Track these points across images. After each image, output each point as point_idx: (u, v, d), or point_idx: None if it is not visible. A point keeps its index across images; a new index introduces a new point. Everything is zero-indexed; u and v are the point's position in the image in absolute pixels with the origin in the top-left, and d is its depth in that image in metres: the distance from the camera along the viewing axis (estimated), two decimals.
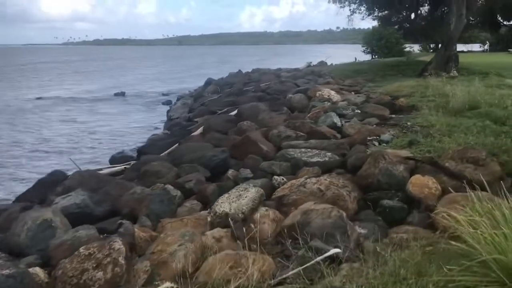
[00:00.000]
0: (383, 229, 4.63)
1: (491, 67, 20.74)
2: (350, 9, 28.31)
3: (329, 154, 6.69)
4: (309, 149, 6.92)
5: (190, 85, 33.69)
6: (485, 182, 5.20)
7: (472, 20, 48.10)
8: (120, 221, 4.61)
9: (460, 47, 55.54)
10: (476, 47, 55.74)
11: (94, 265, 3.33)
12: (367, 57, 45.19)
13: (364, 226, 4.54)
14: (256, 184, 5.59)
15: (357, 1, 27.93)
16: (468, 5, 24.28)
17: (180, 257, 3.45)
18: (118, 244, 3.45)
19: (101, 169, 9.27)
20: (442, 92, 11.55)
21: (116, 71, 58.81)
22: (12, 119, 20.34)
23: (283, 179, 5.62)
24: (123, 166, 9.10)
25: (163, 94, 30.63)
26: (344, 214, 4.21)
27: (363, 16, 29.20)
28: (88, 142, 15.07)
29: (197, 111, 15.69)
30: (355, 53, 46.50)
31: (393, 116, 10.39)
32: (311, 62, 36.64)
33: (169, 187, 5.44)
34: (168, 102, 25.49)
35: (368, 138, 7.94)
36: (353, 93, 13.98)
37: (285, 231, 4.21)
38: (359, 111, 9.95)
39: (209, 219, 4.36)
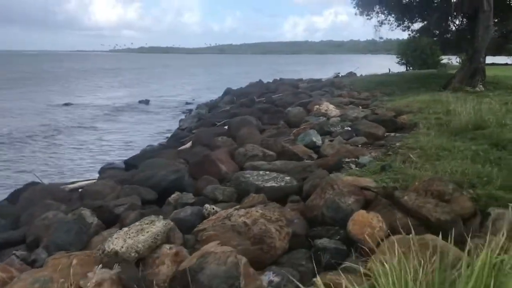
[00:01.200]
0: (305, 276, 3.94)
1: None
2: (378, 20, 27.26)
3: (288, 178, 5.98)
4: (267, 172, 6.23)
5: (218, 94, 33.42)
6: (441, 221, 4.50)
7: None
8: (14, 252, 4.12)
9: (504, 59, 53.26)
10: None
11: None
12: (402, 68, 43.68)
13: (280, 273, 3.84)
14: (186, 213, 5.00)
15: (386, 12, 26.87)
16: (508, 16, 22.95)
17: None
18: None
19: (74, 182, 8.91)
20: (451, 109, 10.59)
21: (151, 78, 59.60)
22: (30, 124, 20.53)
23: (213, 208, 4.96)
24: (94, 180, 8.68)
25: (187, 103, 30.52)
26: (244, 260, 3.53)
27: (392, 27, 28.03)
28: (89, 150, 14.89)
29: (201, 122, 15.25)
30: (393, 64, 45.09)
31: (391, 134, 9.57)
32: (339, 73, 35.64)
33: (86, 213, 4.88)
34: (189, 111, 25.25)
35: (346, 160, 7.19)
36: (360, 107, 13.11)
37: (178, 277, 3.59)
38: (349, 129, 9.15)
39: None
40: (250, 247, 4.19)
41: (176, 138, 12.80)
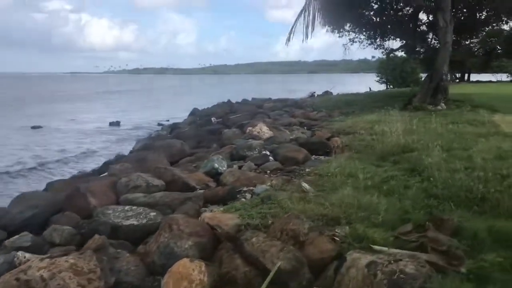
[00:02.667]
0: None
1: (497, 99, 18.83)
2: (349, 38, 26.79)
3: (153, 214, 5.24)
4: (134, 207, 5.47)
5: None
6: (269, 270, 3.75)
7: (499, 49, 46.02)
8: None
9: (488, 77, 53.29)
10: (504, 77, 53.00)
11: None
12: (383, 87, 43.30)
13: None
14: None
15: (357, 30, 26.40)
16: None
17: None
18: None
19: None
20: (386, 130, 9.93)
21: (134, 100, 59.01)
22: None
23: (24, 256, 4.20)
24: None
25: (159, 124, 29.84)
26: None
27: (364, 45, 27.58)
28: (25, 176, 14.06)
29: (145, 144, 14.52)
30: (375, 83, 44.77)
31: (320, 157, 8.92)
32: (314, 92, 35.19)
33: None
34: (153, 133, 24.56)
35: (244, 189, 6.48)
36: (305, 128, 12.51)
37: None
38: (268, 153, 8.45)
39: None
40: None
41: (105, 163, 12.04)
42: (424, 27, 26.36)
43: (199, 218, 4.81)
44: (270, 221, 4.58)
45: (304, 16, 17.22)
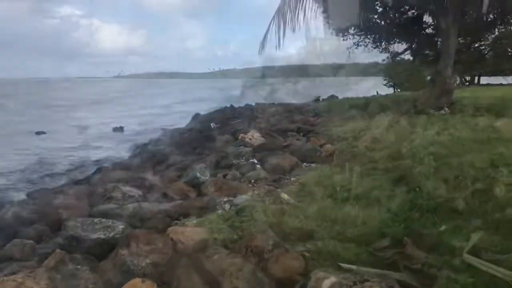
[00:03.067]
0: None
1: (504, 103, 18.34)
2: (354, 42, 26.43)
3: (121, 227, 5.02)
4: (103, 219, 5.25)
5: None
6: None
7: (510, 52, 45.15)
8: None
9: (500, 79, 52.44)
10: None
11: None
12: (390, 91, 42.77)
13: None
14: None
15: (362, 33, 26.04)
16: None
17: None
18: None
19: None
20: (379, 137, 9.65)
21: (142, 104, 59.10)
22: None
23: None
24: None
25: (162, 129, 29.74)
26: None
27: (369, 49, 27.13)
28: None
29: (139, 152, 14.40)
30: (383, 87, 44.20)
31: (312, 165, 8.67)
32: (319, 96, 34.87)
33: None
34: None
35: (224, 200, 6.26)
36: (301, 134, 12.28)
37: None
38: (255, 161, 8.22)
39: None
40: None
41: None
42: (430, 30, 25.95)
43: (166, 232, 4.59)
44: (236, 236, 4.35)
45: (276, 23, 16.68)
